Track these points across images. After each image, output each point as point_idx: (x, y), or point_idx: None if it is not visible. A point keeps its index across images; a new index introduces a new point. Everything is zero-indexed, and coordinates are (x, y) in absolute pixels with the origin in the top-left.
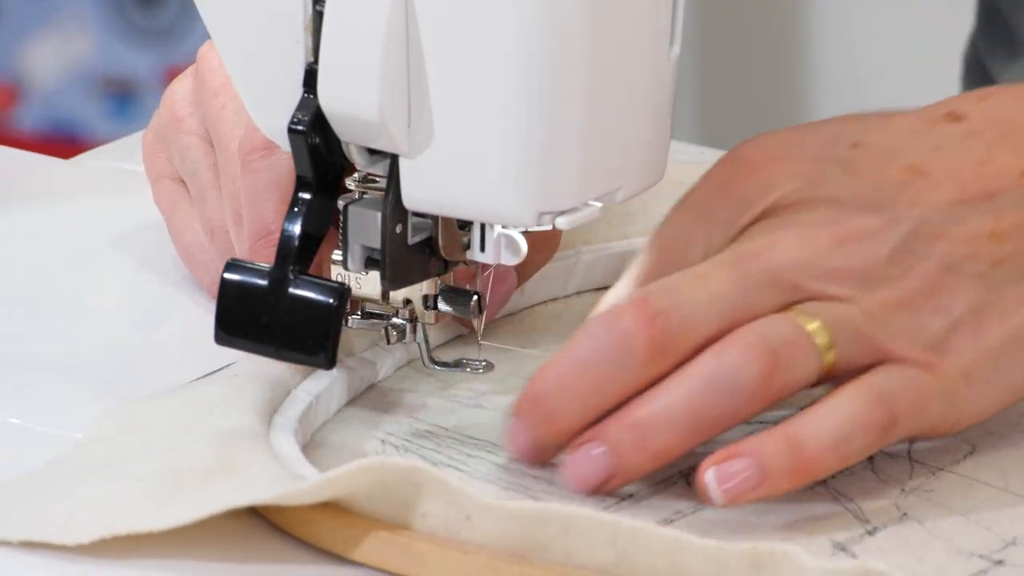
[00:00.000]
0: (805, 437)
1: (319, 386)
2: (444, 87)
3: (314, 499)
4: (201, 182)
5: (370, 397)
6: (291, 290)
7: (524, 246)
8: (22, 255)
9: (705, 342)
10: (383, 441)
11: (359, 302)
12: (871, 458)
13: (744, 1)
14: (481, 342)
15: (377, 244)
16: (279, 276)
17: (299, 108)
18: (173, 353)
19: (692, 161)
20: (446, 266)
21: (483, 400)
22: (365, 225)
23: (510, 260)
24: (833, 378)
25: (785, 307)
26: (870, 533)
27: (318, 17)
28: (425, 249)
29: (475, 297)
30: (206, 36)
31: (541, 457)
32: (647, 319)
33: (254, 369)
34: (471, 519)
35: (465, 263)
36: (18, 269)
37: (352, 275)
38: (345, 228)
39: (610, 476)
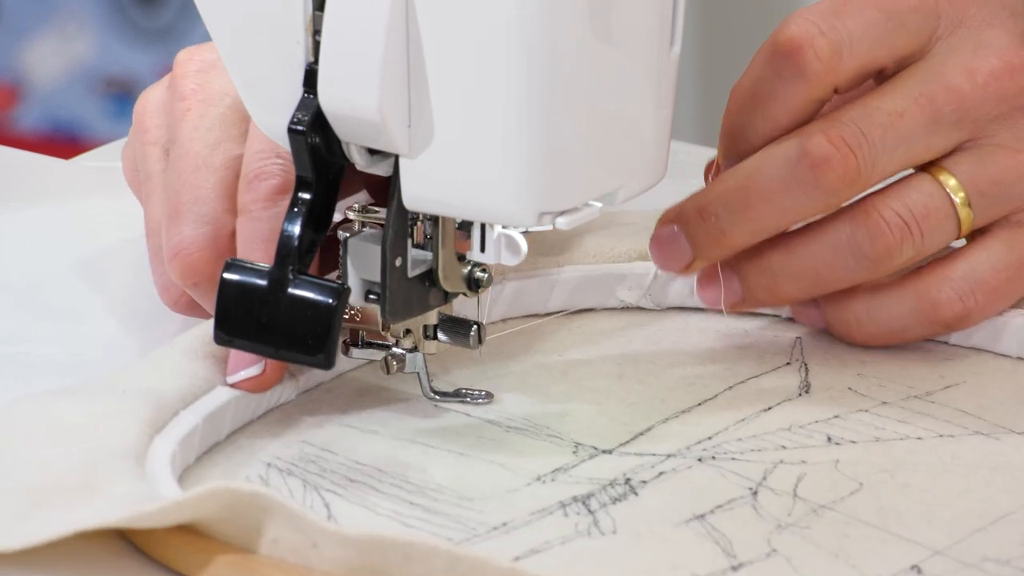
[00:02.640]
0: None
1: (208, 408)
2: (444, 87)
3: (162, 523)
4: (149, 186)
5: (267, 421)
6: (290, 290)
7: (524, 246)
8: (22, 255)
9: (882, 180)
10: (269, 464)
11: (359, 331)
12: (755, 493)
13: (744, 1)
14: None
15: (377, 278)
16: (278, 276)
17: (299, 108)
18: None
19: (691, 163)
20: (446, 297)
21: (380, 427)
22: (365, 259)
23: (510, 260)
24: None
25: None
26: (734, 568)
27: (318, 17)
28: (425, 281)
29: (475, 327)
30: (206, 36)
31: (686, 271)
32: (842, 156)
33: (143, 386)
34: (317, 545)
35: (465, 295)
36: (18, 269)
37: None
38: (345, 261)
39: (740, 301)
